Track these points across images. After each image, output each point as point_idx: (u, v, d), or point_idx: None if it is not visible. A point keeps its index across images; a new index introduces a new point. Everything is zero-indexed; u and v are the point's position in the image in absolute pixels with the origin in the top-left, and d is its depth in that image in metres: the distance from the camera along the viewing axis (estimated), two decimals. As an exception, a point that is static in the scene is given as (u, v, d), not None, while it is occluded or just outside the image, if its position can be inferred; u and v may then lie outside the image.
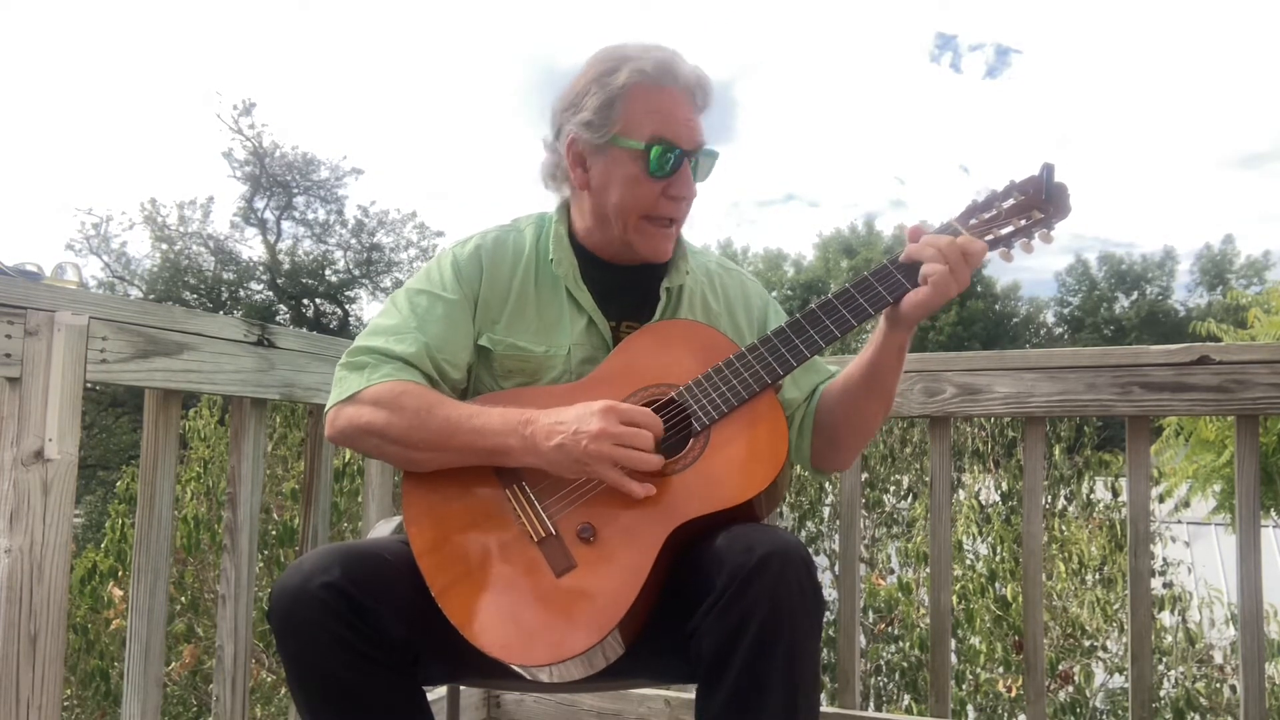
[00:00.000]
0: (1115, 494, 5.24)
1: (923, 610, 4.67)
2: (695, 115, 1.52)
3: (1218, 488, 5.88)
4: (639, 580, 1.28)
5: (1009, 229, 1.43)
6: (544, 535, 1.35)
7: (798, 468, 1.76)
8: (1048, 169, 1.42)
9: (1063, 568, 4.84)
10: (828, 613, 1.51)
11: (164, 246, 25.29)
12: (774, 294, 1.79)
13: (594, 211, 1.57)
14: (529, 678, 1.33)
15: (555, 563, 1.33)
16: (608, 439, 1.31)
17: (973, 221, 1.44)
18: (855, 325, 1.42)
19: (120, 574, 4.51)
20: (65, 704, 4.18)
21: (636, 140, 1.48)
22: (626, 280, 1.60)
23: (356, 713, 1.29)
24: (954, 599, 4.31)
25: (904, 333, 1.45)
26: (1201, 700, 4.21)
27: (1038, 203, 1.42)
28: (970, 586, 4.57)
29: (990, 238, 1.43)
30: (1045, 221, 1.43)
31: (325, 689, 1.28)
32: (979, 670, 4.47)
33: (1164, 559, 5.06)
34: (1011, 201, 1.44)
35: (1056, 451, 5.27)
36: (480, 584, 1.34)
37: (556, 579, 1.32)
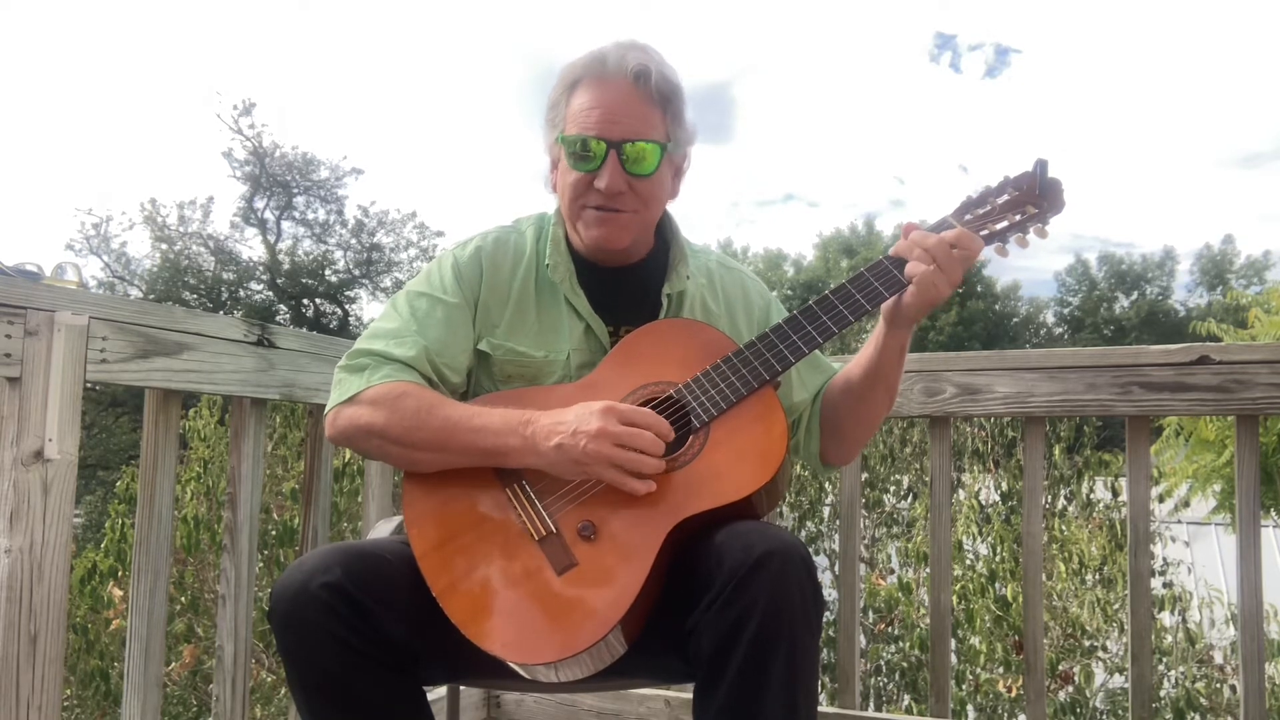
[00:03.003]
0: (1115, 494, 5.24)
1: (923, 610, 4.67)
2: (634, 105, 1.48)
3: (1218, 488, 5.88)
4: (640, 578, 1.29)
5: (1004, 224, 1.44)
6: (545, 534, 1.35)
7: (800, 465, 1.76)
8: (1041, 164, 1.43)
9: (1063, 568, 4.84)
10: (827, 613, 1.52)
11: (164, 246, 25.31)
12: (774, 294, 1.78)
13: (562, 210, 1.59)
14: (529, 677, 1.33)
15: (556, 561, 1.33)
16: (607, 439, 1.31)
17: (967, 217, 1.45)
18: (852, 321, 1.43)
19: (120, 574, 4.51)
20: (65, 704, 4.18)
21: (568, 134, 1.50)
22: (624, 284, 1.60)
23: (356, 713, 1.29)
24: (954, 599, 4.30)
25: (903, 332, 1.46)
26: (1201, 700, 4.21)
27: (1032, 198, 1.43)
28: (970, 586, 4.57)
29: (985, 233, 1.43)
30: (1040, 216, 1.43)
31: (325, 689, 1.28)
32: (979, 670, 4.47)
33: (1164, 559, 5.06)
34: (1006, 197, 1.44)
35: (1056, 451, 5.26)
36: (481, 584, 1.34)
37: (558, 577, 1.32)
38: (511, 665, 1.30)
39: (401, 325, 1.52)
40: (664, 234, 1.65)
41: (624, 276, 1.60)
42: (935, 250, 1.37)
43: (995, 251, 1.46)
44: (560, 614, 1.29)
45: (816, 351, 1.64)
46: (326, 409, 1.50)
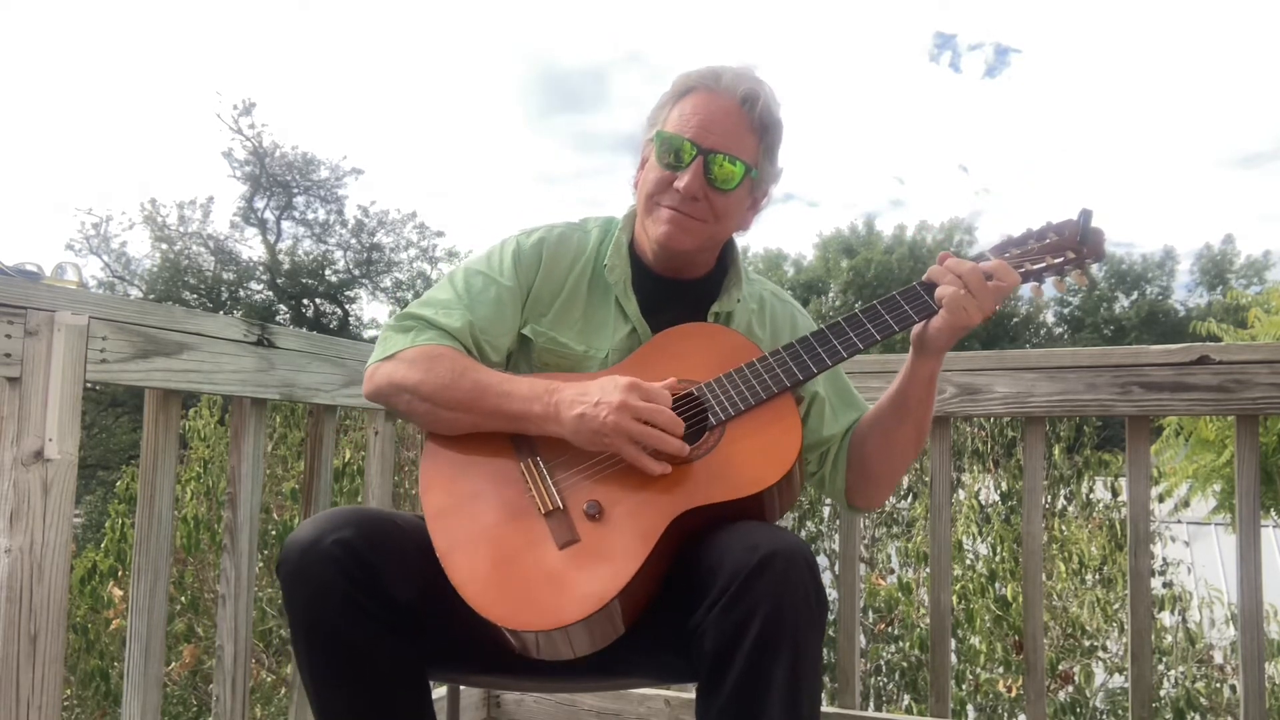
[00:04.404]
0: (1115, 494, 5.23)
1: (923, 610, 4.66)
2: (734, 123, 1.52)
3: (1218, 488, 5.88)
4: (638, 560, 1.30)
5: (1042, 265, 1.47)
6: (551, 508, 1.37)
7: (832, 501, 1.76)
8: (1086, 214, 1.46)
9: (1063, 568, 4.83)
10: (828, 613, 1.52)
11: (164, 246, 25.32)
12: (813, 322, 1.80)
13: (638, 204, 1.61)
14: (518, 648, 1.34)
15: (559, 535, 1.35)
16: (628, 412, 1.34)
17: (1005, 255, 1.48)
18: (878, 340, 1.45)
19: (120, 574, 4.51)
20: (65, 704, 4.18)
21: (664, 131, 1.53)
22: (676, 296, 1.62)
23: (356, 673, 1.30)
24: (954, 599, 4.30)
25: (931, 360, 1.47)
26: (1201, 700, 4.21)
27: (1073, 244, 1.46)
28: (970, 586, 4.57)
29: (1021, 270, 1.46)
30: (1078, 262, 1.47)
31: (328, 645, 1.29)
32: (979, 670, 4.47)
33: (1164, 559, 5.06)
34: (1047, 241, 1.47)
35: (1056, 451, 5.26)
36: (484, 549, 1.36)
37: (558, 551, 1.34)
38: (506, 634, 1.31)
39: (453, 297, 1.56)
40: (724, 258, 1.68)
41: (678, 290, 1.63)
42: (968, 276, 1.39)
43: (1032, 291, 1.49)
44: (555, 585, 1.31)
45: (851, 387, 1.70)
46: (368, 364, 1.54)
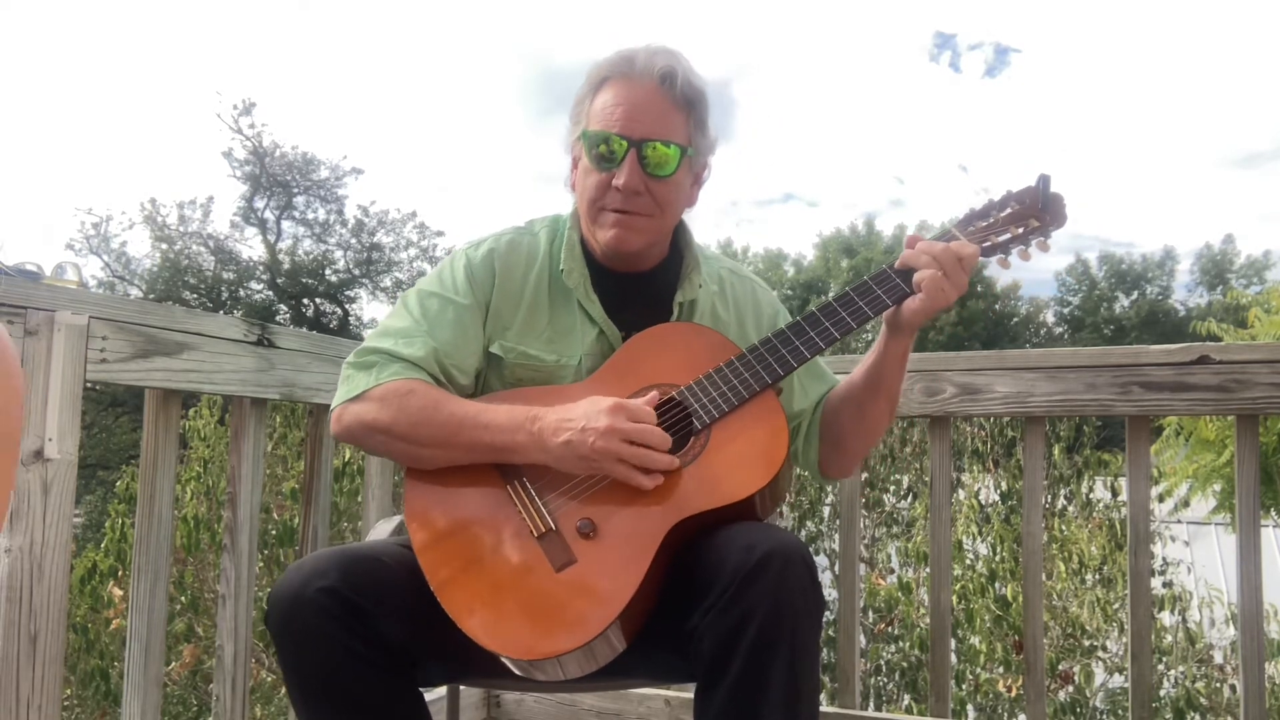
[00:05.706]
0: (1115, 494, 5.24)
1: (923, 610, 4.67)
2: (658, 106, 1.48)
3: (1218, 488, 5.89)
4: (638, 575, 1.29)
5: (1006, 236, 1.46)
6: (544, 530, 1.35)
7: (805, 473, 1.76)
8: (1044, 179, 1.45)
9: (1063, 568, 4.84)
10: (828, 613, 1.52)
11: (164, 246, 25.28)
12: (774, 294, 1.79)
13: (580, 211, 1.58)
14: (520, 673, 1.33)
15: (555, 558, 1.33)
16: (616, 435, 1.32)
17: (970, 229, 1.47)
18: (854, 328, 1.44)
19: (120, 574, 4.51)
20: (65, 704, 4.19)
21: (590, 130, 1.50)
22: (638, 291, 1.60)
23: (355, 715, 1.30)
24: (954, 599, 4.31)
25: (905, 339, 1.46)
26: (1201, 700, 4.21)
27: (1034, 212, 1.45)
28: (970, 586, 4.58)
29: (987, 244, 1.45)
30: (1041, 230, 1.46)
31: (324, 692, 1.29)
32: (979, 670, 4.47)
33: (1164, 559, 5.06)
34: (1009, 210, 1.47)
35: (1056, 451, 5.26)
36: (479, 578, 1.34)
37: (556, 574, 1.32)
38: (507, 662, 1.30)
39: (412, 324, 1.52)
40: (678, 242, 1.65)
41: (637, 283, 1.60)
42: (942, 257, 1.39)
43: (998, 264, 1.48)
44: (557, 610, 1.30)
45: (819, 360, 1.66)
46: (333, 405, 1.50)
